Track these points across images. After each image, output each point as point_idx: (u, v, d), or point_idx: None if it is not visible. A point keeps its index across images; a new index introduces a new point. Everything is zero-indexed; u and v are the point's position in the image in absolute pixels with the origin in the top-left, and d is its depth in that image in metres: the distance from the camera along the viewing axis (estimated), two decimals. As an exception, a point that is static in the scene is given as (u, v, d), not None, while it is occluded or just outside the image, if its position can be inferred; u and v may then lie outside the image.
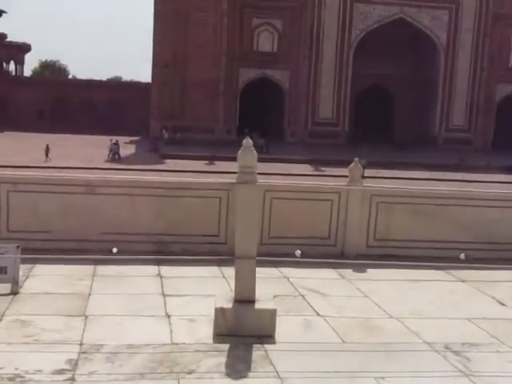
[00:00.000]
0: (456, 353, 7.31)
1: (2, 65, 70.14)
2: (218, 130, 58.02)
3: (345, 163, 44.54)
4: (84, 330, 7.50)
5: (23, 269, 9.34)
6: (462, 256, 11.39)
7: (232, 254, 11.22)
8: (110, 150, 44.56)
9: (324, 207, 11.37)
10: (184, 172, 38.66)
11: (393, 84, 62.75)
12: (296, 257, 10.78)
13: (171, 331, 7.60)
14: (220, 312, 7.44)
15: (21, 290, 8.81)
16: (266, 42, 58.19)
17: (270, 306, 7.58)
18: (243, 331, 7.40)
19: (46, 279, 9.44)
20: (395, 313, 8.54)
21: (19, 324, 7.61)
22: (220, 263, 10.70)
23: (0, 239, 10.74)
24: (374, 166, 42.09)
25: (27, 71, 78.60)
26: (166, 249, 11.03)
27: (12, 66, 71.83)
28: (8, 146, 48.14)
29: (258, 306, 7.52)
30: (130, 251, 10.61)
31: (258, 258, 7.60)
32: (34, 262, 10.04)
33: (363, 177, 37.75)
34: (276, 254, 10.82)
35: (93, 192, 10.75)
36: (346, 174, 34.72)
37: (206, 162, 44.30)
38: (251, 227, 7.55)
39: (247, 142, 7.62)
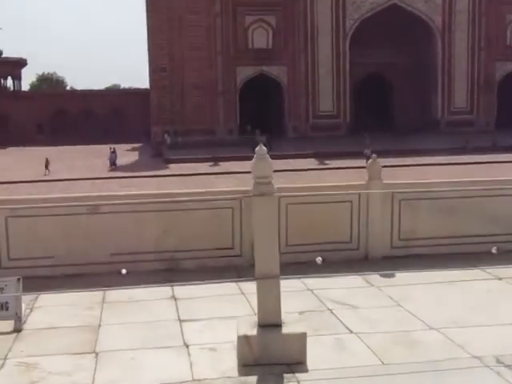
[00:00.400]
0: (510, 367, 6.48)
1: (0, 81, 69.46)
2: (219, 130, 57.23)
3: (349, 154, 43.95)
4: (95, 370, 6.71)
5: (26, 300, 8.55)
6: (494, 250, 10.56)
7: (248, 265, 10.51)
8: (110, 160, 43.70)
9: (343, 209, 10.55)
10: (190, 175, 38.14)
11: (391, 71, 61.85)
12: (317, 264, 10.00)
13: (191, 364, 6.79)
14: (244, 340, 6.63)
15: (24, 326, 8.00)
16: (260, 38, 57.30)
17: (298, 328, 6.76)
18: (271, 360, 6.59)
19: (51, 310, 8.62)
20: (434, 323, 7.71)
21: (24, 368, 6.81)
22: (237, 278, 9.93)
23: (2, 268, 9.98)
24: (378, 155, 41.17)
25: (25, 86, 77.98)
26: (178, 266, 10.24)
27: (10, 82, 71.20)
28: (11, 161, 47.52)
29: (285, 330, 6.70)
30: (140, 271, 9.83)
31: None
32: (38, 291, 9.24)
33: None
34: (296, 262, 10.05)
35: (96, 211, 9.94)
36: (352, 165, 33.58)
37: (210, 163, 43.49)
38: (271, 243, 6.74)
39: (261, 149, 6.81)
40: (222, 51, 56.88)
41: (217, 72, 57.10)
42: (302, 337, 6.63)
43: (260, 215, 6.73)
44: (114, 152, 43.93)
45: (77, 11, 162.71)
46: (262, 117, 57.76)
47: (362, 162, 38.87)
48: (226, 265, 10.21)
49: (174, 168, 42.30)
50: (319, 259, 10.05)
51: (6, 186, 35.44)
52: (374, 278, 9.60)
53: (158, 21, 55.91)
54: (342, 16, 57.33)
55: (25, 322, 8.08)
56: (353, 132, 55.43)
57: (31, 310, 8.63)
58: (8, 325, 7.89)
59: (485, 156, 42.44)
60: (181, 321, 8.08)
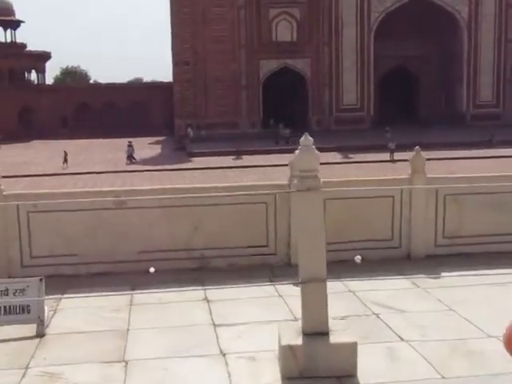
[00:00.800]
0: None
1: (24, 74, 69.20)
2: (242, 124, 56.55)
3: (373, 148, 43.09)
4: (125, 382, 6.08)
5: (49, 302, 7.93)
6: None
7: (283, 264, 9.86)
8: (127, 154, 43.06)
9: (384, 204, 9.82)
10: (213, 169, 37.69)
11: (415, 64, 60.70)
12: (356, 263, 9.29)
13: (229, 375, 6.13)
14: (288, 350, 5.95)
15: (47, 330, 7.38)
16: (284, 31, 56.44)
17: (348, 337, 6.07)
18: (318, 372, 5.91)
19: (76, 313, 7.99)
20: (493, 330, 6.97)
21: (47, 378, 6.19)
22: (272, 278, 9.27)
23: (23, 267, 9.39)
24: (403, 149, 40.49)
25: (49, 79, 77.74)
26: (208, 264, 9.60)
27: (34, 75, 70.95)
28: (34, 154, 47.25)
29: (333, 339, 6.01)
30: (169, 270, 9.18)
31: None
32: (63, 291, 8.65)
33: (393, 161, 36.06)
34: (334, 261, 9.32)
35: (122, 206, 9.30)
36: (376, 159, 32.66)
37: (233, 157, 42.97)
38: (318, 243, 6.06)
39: (306, 139, 6.13)
40: (246, 44, 56.14)
41: (240, 65, 56.38)
42: (353, 346, 5.95)
43: (305, 212, 6.06)
44: (130, 145, 43.34)
45: (102, 5, 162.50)
46: (285, 110, 56.97)
47: (385, 156, 38.49)
48: (260, 263, 9.55)
49: (197, 161, 41.89)
50: (358, 258, 9.27)
51: (28, 178, 35.25)
52: (420, 279, 8.87)
53: (181, 14, 55.30)
54: (366, 9, 56.26)
55: (47, 326, 7.47)
56: (376, 125, 54.46)
57: (54, 312, 8.02)
58: (30, 329, 7.29)
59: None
60: (215, 325, 7.43)
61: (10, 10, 68.06)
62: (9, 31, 68.64)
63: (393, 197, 9.78)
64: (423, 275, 8.95)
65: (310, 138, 6.15)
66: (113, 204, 9.19)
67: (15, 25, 68.77)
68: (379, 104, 59.14)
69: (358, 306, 7.94)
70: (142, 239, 9.40)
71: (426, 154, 31.23)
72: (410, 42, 58.77)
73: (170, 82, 63.40)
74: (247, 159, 41.96)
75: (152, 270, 8.91)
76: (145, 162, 43.15)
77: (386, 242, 9.90)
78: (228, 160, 41.57)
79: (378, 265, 9.44)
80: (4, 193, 9.14)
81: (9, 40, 68.83)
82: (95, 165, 40.73)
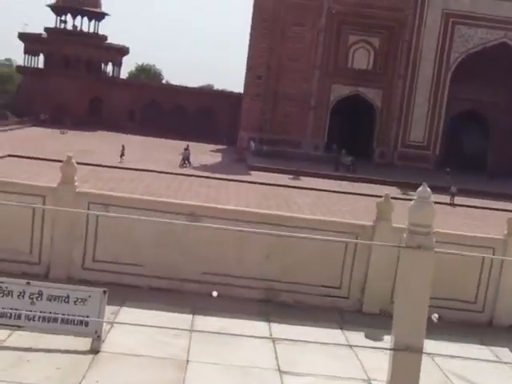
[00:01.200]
0: None
1: (101, 66, 69.99)
2: (305, 144, 55.80)
3: (433, 189, 42.27)
4: (181, 424, 5.44)
5: (107, 312, 7.34)
6: None
7: (355, 310, 9.12)
8: (183, 157, 42.88)
9: (473, 263, 8.98)
10: (270, 185, 37.09)
11: (489, 110, 58.93)
12: (432, 322, 8.49)
13: None
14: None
15: (103, 346, 6.80)
16: (361, 59, 55.59)
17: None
18: None
19: (134, 331, 7.39)
20: None
21: (98, 406, 5.60)
22: (342, 324, 8.52)
23: (83, 269, 8.86)
24: (465, 194, 39.39)
25: (124, 73, 78.47)
26: (275, 298, 8.91)
27: (110, 68, 71.72)
28: (97, 144, 47.35)
29: (421, 418, 5.26)
30: (233, 297, 8.54)
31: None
32: (121, 302, 8.08)
33: (453, 205, 34.77)
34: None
35: (195, 221, 8.69)
36: (436, 200, 31.30)
37: (290, 176, 42.36)
38: (420, 307, 5.32)
39: (424, 190, 5.41)
40: (321, 66, 55.46)
41: (311, 86, 55.73)
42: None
43: (411, 271, 5.32)
44: (187, 149, 43.12)
45: (182, 11, 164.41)
46: (349, 137, 56.05)
47: (445, 198, 37.29)
48: (329, 306, 8.83)
49: (256, 175, 41.36)
50: (435, 316, 8.52)
51: (88, 167, 35.14)
52: (504, 351, 8.02)
53: (261, 29, 55.04)
54: (447, 47, 54.97)
55: (103, 341, 6.89)
56: (440, 166, 53.12)
57: (111, 326, 7.44)
58: (85, 343, 6.72)
59: None
60: (281, 372, 6.73)
61: (97, 2, 68.98)
62: (93, 22, 69.57)
63: (483, 256, 8.94)
64: (507, 348, 8.08)
65: (428, 190, 5.44)
66: (186, 219, 8.60)
67: (100, 17, 69.62)
68: (446, 145, 57.68)
69: (438, 376, 7.13)
70: (208, 260, 8.79)
71: (486, 203, 30.02)
72: (487, 86, 57.12)
73: (239, 93, 63.20)
74: (305, 180, 41.32)
75: (215, 294, 8.29)
76: (205, 168, 42.90)
77: (469, 304, 9.07)
78: (285, 178, 41.03)
79: (455, 327, 8.63)
80: (77, 190, 8.62)
81: (92, 30, 69.76)
82: (154, 163, 40.51)
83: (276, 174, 42.04)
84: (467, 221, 30.99)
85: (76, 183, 8.68)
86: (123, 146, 39.89)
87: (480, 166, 57.33)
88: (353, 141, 56.27)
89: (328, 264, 8.81)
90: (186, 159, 42.49)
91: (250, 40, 55.81)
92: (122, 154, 39.52)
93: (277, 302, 8.84)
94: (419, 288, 5.29)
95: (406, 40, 54.91)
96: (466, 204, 37.00)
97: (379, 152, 56.49)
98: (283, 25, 54.65)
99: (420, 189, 5.44)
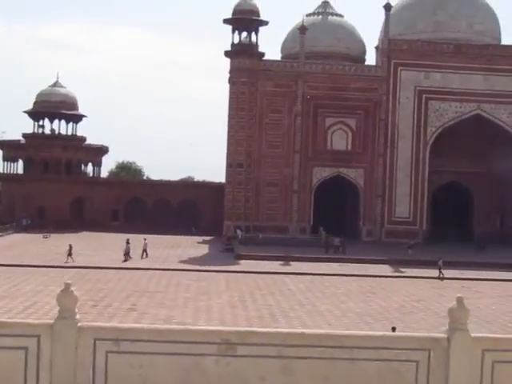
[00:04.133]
0: None
1: (81, 166, 68.52)
2: (291, 228, 54.21)
3: (423, 263, 40.88)
4: None
5: None
6: None
7: None
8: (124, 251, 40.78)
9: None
10: (260, 273, 35.62)
11: (471, 181, 58.22)
12: None
13: None
14: None
15: None
16: (339, 140, 54.88)
17: None
18: None
19: None
20: None
21: None
22: None
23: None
24: (455, 267, 37.99)
25: (104, 172, 76.94)
26: None
27: (90, 168, 70.20)
28: (83, 246, 45.22)
29: None
30: None
31: None
32: None
33: (442, 278, 33.78)
34: None
35: (231, 353, 6.45)
36: (426, 275, 29.31)
37: (281, 262, 40.83)
38: None
39: None
40: (300, 150, 54.62)
41: (293, 170, 54.67)
42: None
43: None
44: (128, 243, 41.14)
45: (159, 109, 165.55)
46: (335, 218, 54.66)
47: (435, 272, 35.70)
48: None
49: (245, 264, 40.23)
50: None
51: (74, 270, 33.47)
52: None
53: (238, 118, 54.35)
54: (423, 123, 54.62)
55: None
56: (428, 240, 51.78)
57: None
58: None
59: None
60: None
61: (74, 105, 68.12)
62: (71, 124, 68.56)
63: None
64: None
65: None
66: (217, 350, 6.36)
67: (78, 119, 68.73)
68: (432, 219, 56.54)
69: None
70: None
71: (478, 274, 28.72)
72: (466, 157, 56.73)
73: (221, 183, 61.90)
74: (295, 265, 40.16)
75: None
76: (193, 260, 41.58)
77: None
78: (276, 265, 39.71)
79: None
80: (79, 324, 6.40)
81: (70, 133, 68.68)
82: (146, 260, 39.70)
83: (265, 262, 40.76)
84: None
85: (77, 316, 6.45)
86: (70, 246, 38.20)
87: (468, 237, 56.24)
88: (340, 221, 55.21)
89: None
90: (126, 253, 40.41)
91: (229, 129, 55.25)
92: (70, 254, 37.70)
93: None
94: None
95: (383, 119, 54.68)
96: (454, 276, 35.55)
97: (366, 230, 55.29)
98: (260, 112, 54.23)
99: None
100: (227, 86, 56.60)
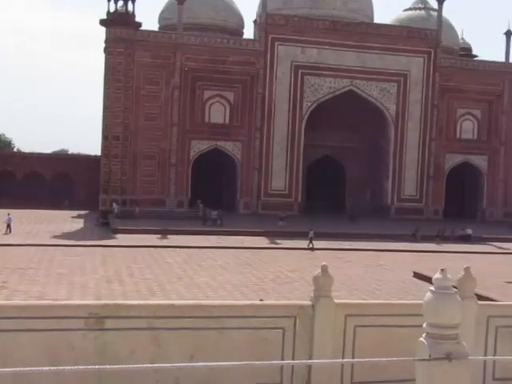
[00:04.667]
0: None
1: None
2: (169, 202, 53.90)
3: (298, 235, 42.15)
4: None
5: None
6: None
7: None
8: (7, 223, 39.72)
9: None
10: (137, 247, 35.14)
11: (344, 155, 60.25)
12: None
13: None
14: None
15: None
16: (217, 113, 54.88)
17: None
18: None
19: None
20: None
21: None
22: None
23: None
24: (326, 238, 39.48)
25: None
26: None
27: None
28: None
29: None
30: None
31: None
32: None
33: (312, 249, 35.24)
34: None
35: (98, 327, 6.40)
36: (300, 246, 30.51)
37: (158, 236, 40.62)
38: None
39: (444, 277, 3.65)
40: (178, 123, 54.18)
41: (171, 143, 54.18)
42: None
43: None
44: (9, 215, 40.02)
45: (29, 74, 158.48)
46: (213, 191, 54.93)
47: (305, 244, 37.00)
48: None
49: (121, 238, 39.42)
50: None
51: None
52: None
53: (114, 89, 53.01)
54: (299, 97, 55.63)
55: None
56: (304, 213, 53.27)
57: None
58: None
59: (434, 245, 41.39)
60: None
61: None
62: None
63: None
64: None
65: (449, 276, 3.66)
66: (85, 324, 6.29)
67: None
68: (307, 191, 58.14)
69: None
70: (118, 372, 6.42)
71: (348, 244, 30.29)
72: (340, 132, 58.57)
73: (96, 156, 60.39)
74: (173, 239, 39.79)
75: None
76: (68, 235, 40.34)
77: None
78: (153, 238, 39.27)
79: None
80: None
81: None
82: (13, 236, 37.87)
83: (142, 235, 40.21)
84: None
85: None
86: None
87: (341, 208, 58.34)
88: (218, 194, 55.55)
89: (265, 357, 6.80)
90: (8, 225, 39.29)
91: (104, 101, 53.61)
92: None
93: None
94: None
95: (260, 93, 55.15)
96: (324, 247, 36.86)
97: (243, 203, 55.88)
98: (137, 84, 53.16)
99: (438, 276, 3.65)
100: (104, 56, 55.04)
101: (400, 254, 37.37)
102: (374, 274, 28.37)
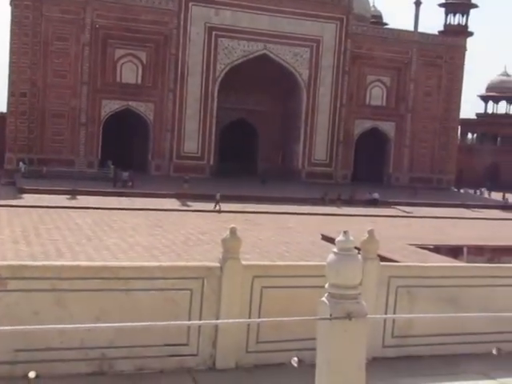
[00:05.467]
0: None
1: None
2: (79, 162, 52.67)
3: (208, 197, 42.28)
4: None
5: None
6: (494, 351, 8.01)
7: (206, 368, 7.28)
8: None
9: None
10: (45, 207, 34.28)
11: (257, 118, 60.45)
12: (293, 367, 6.95)
13: None
14: None
15: None
16: (129, 73, 53.72)
17: None
18: None
19: None
20: None
21: None
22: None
23: None
24: (237, 200, 39.83)
25: None
26: (111, 368, 6.79)
27: None
28: None
29: None
30: (57, 375, 6.32)
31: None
32: None
33: (219, 211, 35.61)
34: (267, 364, 7.03)
35: (2, 288, 6.29)
36: (210, 208, 30.75)
37: (67, 196, 39.76)
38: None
39: (347, 239, 3.75)
40: (89, 82, 52.72)
41: (81, 102, 52.73)
42: None
43: (340, 349, 3.66)
44: None
45: None
46: (125, 152, 54.03)
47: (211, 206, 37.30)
48: (177, 367, 6.96)
49: (29, 198, 38.34)
50: (295, 360, 7.00)
51: None
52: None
53: (21, 44, 50.94)
54: (212, 60, 55.17)
55: None
56: (216, 176, 53.38)
57: None
58: None
59: (346, 209, 42.25)
60: None
61: None
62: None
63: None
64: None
65: (351, 239, 3.77)
66: None
67: None
68: (220, 154, 58.14)
69: None
70: (22, 333, 6.34)
71: (258, 207, 30.72)
72: (253, 96, 58.58)
73: (2, 113, 58.05)
74: (83, 200, 39.04)
75: (32, 374, 6.12)
76: None
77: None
78: (62, 199, 38.45)
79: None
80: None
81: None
82: None
83: (50, 196, 39.20)
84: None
85: None
86: None
87: (253, 172, 58.72)
88: (129, 155, 54.74)
89: (172, 318, 6.86)
90: None
91: (10, 55, 51.44)
92: None
93: (113, 374, 6.74)
94: (354, 366, 3.65)
95: (173, 53, 54.39)
96: (241, 210, 37.18)
97: (155, 165, 55.37)
98: (45, 39, 51.22)
99: (341, 238, 3.76)
100: (10, 9, 52.68)
101: (309, 217, 38.10)
102: (283, 236, 28.82)
